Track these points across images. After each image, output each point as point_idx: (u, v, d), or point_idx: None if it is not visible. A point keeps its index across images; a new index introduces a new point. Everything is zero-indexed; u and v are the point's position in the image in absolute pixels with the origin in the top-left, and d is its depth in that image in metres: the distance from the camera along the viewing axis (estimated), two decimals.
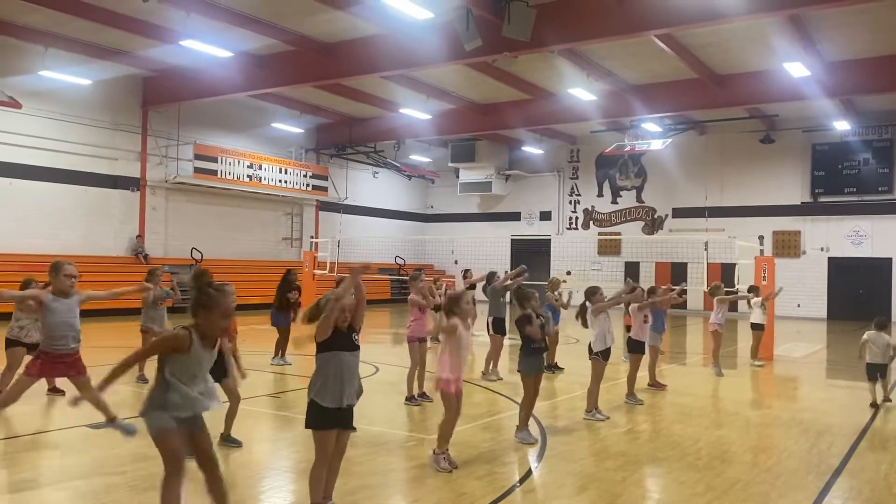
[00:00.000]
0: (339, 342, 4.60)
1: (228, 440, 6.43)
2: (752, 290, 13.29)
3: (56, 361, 5.75)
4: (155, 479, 5.39)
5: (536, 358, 6.96)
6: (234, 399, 6.38)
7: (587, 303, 8.24)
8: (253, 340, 13.01)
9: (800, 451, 6.93)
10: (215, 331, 3.48)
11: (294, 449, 6.63)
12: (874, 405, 8.93)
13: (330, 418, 4.54)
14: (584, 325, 8.27)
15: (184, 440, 3.75)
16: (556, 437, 7.14)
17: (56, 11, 15.68)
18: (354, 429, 4.71)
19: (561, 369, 11.45)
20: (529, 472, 6.05)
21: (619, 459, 6.45)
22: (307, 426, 4.60)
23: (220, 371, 6.19)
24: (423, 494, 5.42)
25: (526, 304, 6.99)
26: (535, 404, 7.07)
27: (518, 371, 7.06)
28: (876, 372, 8.98)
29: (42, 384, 8.39)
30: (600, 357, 8.09)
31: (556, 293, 11.46)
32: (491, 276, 11.28)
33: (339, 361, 4.56)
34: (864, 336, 9.04)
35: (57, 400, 8.24)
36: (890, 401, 9.12)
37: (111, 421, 5.65)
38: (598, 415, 7.97)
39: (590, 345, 8.22)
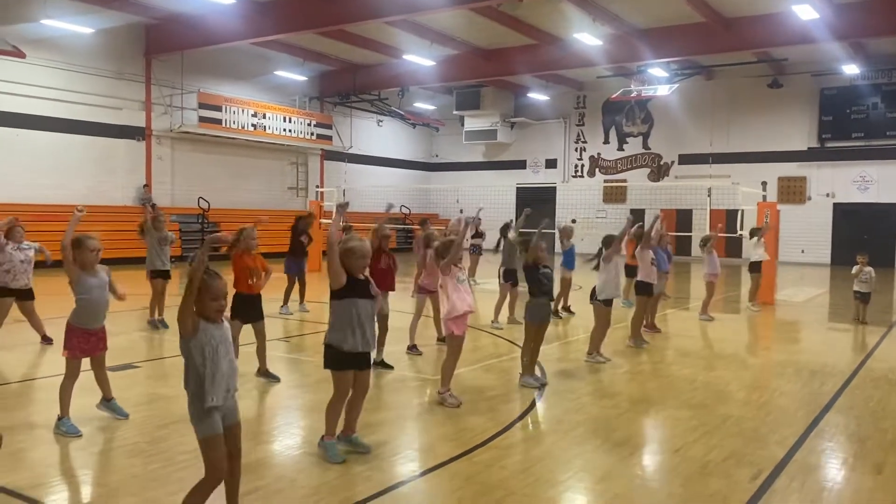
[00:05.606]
0: (356, 290, 4.80)
1: (268, 375, 6.95)
2: (754, 232, 13.48)
3: (90, 336, 5.38)
4: (164, 419, 5.64)
5: (540, 308, 7.09)
6: (261, 338, 6.93)
7: (602, 248, 8.36)
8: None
9: (792, 389, 7.15)
10: (209, 312, 3.67)
11: (304, 389, 6.90)
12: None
13: (347, 361, 4.82)
14: (597, 268, 8.40)
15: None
16: (557, 378, 7.37)
17: None
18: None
19: (573, 313, 11.71)
20: (528, 410, 6.28)
21: (617, 398, 6.68)
22: (326, 367, 4.86)
23: (256, 314, 6.89)
24: (427, 429, 5.67)
25: (528, 251, 7.15)
26: (538, 351, 7.22)
27: (524, 318, 7.24)
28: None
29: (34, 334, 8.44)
30: (601, 303, 8.22)
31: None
32: (505, 228, 11.32)
33: (356, 308, 4.77)
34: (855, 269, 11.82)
35: (48, 350, 8.11)
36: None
37: (108, 401, 5.65)
38: (599, 357, 8.16)
39: (593, 289, 8.34)
